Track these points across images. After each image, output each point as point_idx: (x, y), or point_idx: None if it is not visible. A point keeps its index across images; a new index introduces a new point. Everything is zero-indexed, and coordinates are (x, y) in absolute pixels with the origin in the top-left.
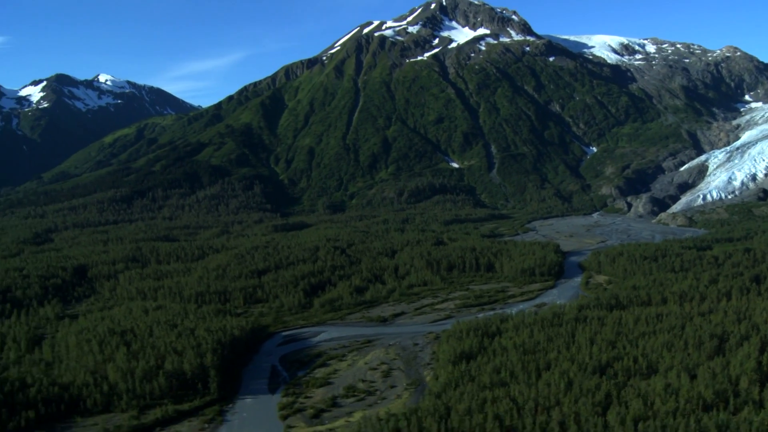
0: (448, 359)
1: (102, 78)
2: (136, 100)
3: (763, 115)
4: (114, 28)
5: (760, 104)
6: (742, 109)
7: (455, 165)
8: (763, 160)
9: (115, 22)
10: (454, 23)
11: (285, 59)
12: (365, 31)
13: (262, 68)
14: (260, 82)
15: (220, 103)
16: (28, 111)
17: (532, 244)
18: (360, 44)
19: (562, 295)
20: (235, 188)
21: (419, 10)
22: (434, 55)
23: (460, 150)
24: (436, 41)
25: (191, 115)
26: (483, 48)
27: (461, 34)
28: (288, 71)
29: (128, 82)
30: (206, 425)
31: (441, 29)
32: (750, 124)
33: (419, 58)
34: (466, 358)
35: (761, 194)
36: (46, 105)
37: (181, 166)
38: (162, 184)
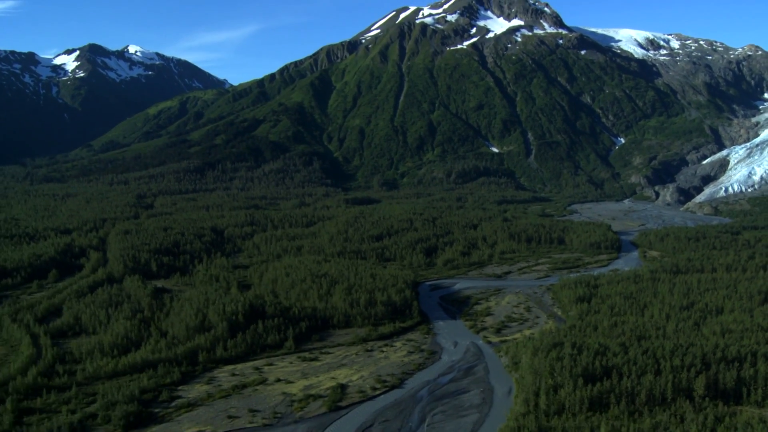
0: (570, 301)
1: (132, 49)
2: (165, 71)
3: None
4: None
5: None
6: (761, 107)
7: (495, 150)
8: None
9: None
10: (489, 13)
11: (299, 34)
12: (402, 16)
13: (276, 42)
14: (302, 61)
15: (261, 81)
16: (67, 80)
17: (588, 223)
18: (402, 31)
19: (627, 264)
20: (296, 163)
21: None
22: (473, 44)
23: (500, 136)
24: (474, 30)
25: (236, 91)
26: (519, 39)
27: (497, 24)
28: (329, 53)
29: (157, 54)
30: (426, 335)
31: (477, 18)
32: None
33: (459, 46)
34: (583, 300)
35: None
36: (82, 74)
37: (242, 140)
38: (229, 157)
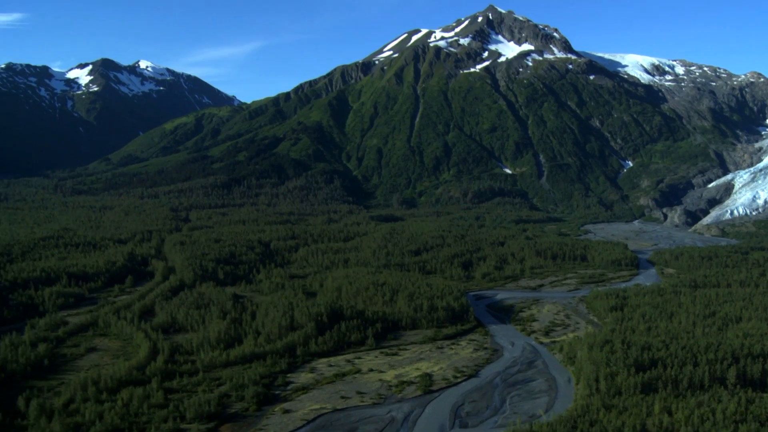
0: (604, 310)
1: (143, 64)
2: (176, 87)
3: None
4: (132, 11)
5: None
6: (763, 133)
7: (508, 171)
8: None
9: (133, 5)
10: (500, 37)
11: (302, 51)
12: (414, 38)
13: (279, 59)
14: (316, 81)
15: (277, 99)
16: (81, 94)
17: (606, 242)
18: (417, 53)
19: (647, 280)
20: (318, 181)
21: (466, 23)
22: (486, 68)
23: (512, 157)
24: (486, 54)
25: (251, 109)
26: (530, 64)
27: (508, 49)
28: (344, 73)
29: (167, 70)
30: (485, 336)
31: (489, 42)
32: None
33: (472, 69)
34: (616, 309)
35: None
36: (96, 89)
37: (265, 158)
38: (254, 173)
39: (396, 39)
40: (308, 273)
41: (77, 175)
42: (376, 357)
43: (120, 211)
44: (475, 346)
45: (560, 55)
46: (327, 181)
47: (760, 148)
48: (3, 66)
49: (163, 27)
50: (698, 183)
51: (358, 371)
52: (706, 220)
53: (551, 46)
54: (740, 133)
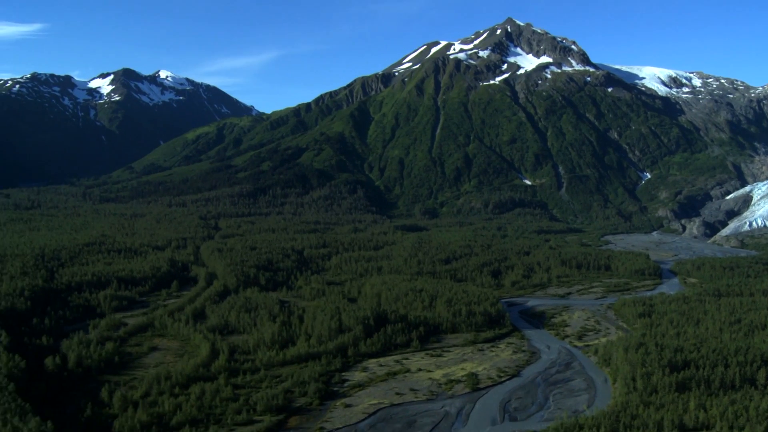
0: (633, 316)
1: (162, 74)
2: (195, 97)
3: None
4: (150, 22)
5: None
6: None
7: (528, 182)
8: None
9: (151, 16)
10: (518, 50)
11: (319, 61)
12: (433, 50)
13: (295, 69)
14: (337, 92)
15: (298, 110)
16: (104, 103)
17: (628, 253)
18: (437, 65)
19: (670, 289)
20: (341, 191)
21: (485, 35)
22: (505, 80)
23: (532, 169)
24: (505, 66)
25: (273, 120)
26: (549, 76)
27: (526, 61)
28: (364, 84)
29: (187, 80)
30: (522, 340)
31: (507, 55)
32: None
33: (491, 82)
34: (644, 315)
35: None
36: (117, 98)
37: (289, 168)
38: (279, 183)
39: (415, 51)
40: (344, 280)
41: (102, 183)
42: (422, 358)
43: (151, 219)
44: (514, 348)
45: (578, 67)
46: (350, 191)
47: None
48: (28, 76)
49: (180, 37)
50: (716, 195)
51: (408, 370)
52: (725, 231)
53: (569, 58)
54: (758, 146)
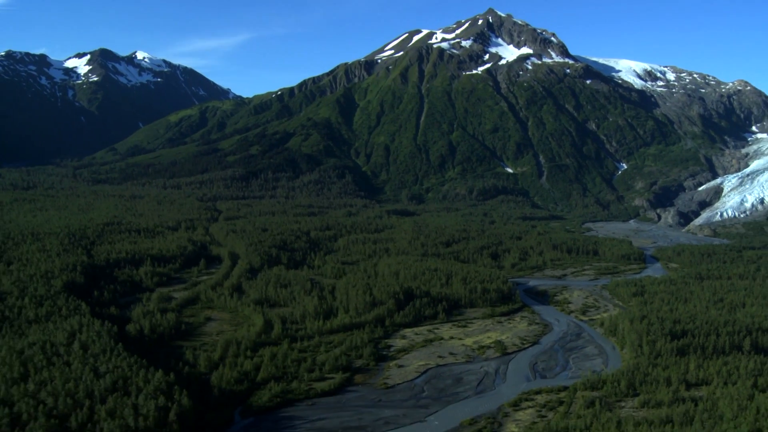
0: (627, 295)
1: (140, 55)
2: (172, 79)
3: None
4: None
5: (765, 135)
6: (749, 139)
7: (510, 170)
8: None
9: None
10: (500, 40)
11: (292, 45)
12: (415, 38)
13: (269, 52)
14: (320, 78)
15: (281, 95)
16: (82, 83)
17: (612, 239)
18: (421, 54)
19: (655, 272)
20: (330, 176)
21: (467, 25)
22: (487, 70)
23: (514, 157)
24: (487, 57)
25: (256, 104)
26: (530, 67)
27: (507, 51)
28: (347, 71)
29: (164, 61)
30: (533, 314)
31: (489, 45)
32: (758, 154)
33: (474, 71)
34: (637, 295)
35: None
36: (96, 78)
37: (278, 152)
38: (270, 167)
39: (397, 39)
40: (356, 260)
41: (88, 164)
42: (450, 328)
43: (151, 201)
44: (528, 321)
45: (558, 59)
46: (339, 176)
47: (747, 154)
48: (3, 54)
49: (152, 17)
50: (689, 186)
51: (441, 338)
52: (698, 221)
53: (549, 50)
54: (728, 139)
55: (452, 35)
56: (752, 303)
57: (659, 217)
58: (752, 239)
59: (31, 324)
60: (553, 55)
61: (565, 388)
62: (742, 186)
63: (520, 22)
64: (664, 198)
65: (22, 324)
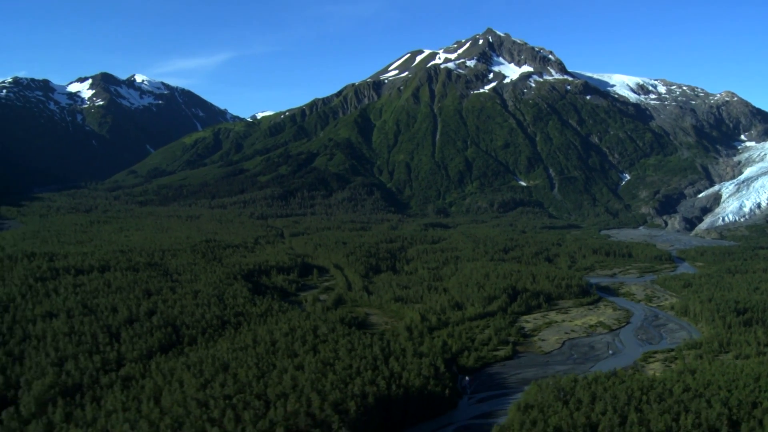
0: (677, 287)
1: (138, 78)
2: (172, 101)
3: (759, 154)
4: (102, 22)
5: (753, 143)
6: (739, 147)
7: (523, 183)
8: (765, 192)
9: (102, 17)
10: (501, 59)
11: (272, 63)
12: (418, 59)
13: (249, 71)
14: (329, 99)
15: (293, 116)
16: (89, 108)
17: (638, 243)
18: (430, 75)
19: (687, 270)
20: (360, 193)
21: (467, 45)
22: (493, 89)
23: (526, 171)
24: (491, 75)
25: (269, 126)
26: (533, 85)
27: (509, 70)
28: (357, 91)
29: (162, 83)
30: (611, 303)
31: (492, 64)
32: (749, 161)
33: (481, 90)
34: (687, 286)
35: (767, 219)
36: (101, 102)
37: (308, 172)
38: (305, 186)
39: (400, 59)
40: (435, 266)
41: (117, 187)
42: (557, 315)
43: (212, 220)
44: (612, 308)
45: (558, 76)
46: (368, 193)
47: (740, 162)
48: (10, 80)
49: (132, 38)
50: (689, 193)
51: (555, 321)
52: (703, 225)
53: (548, 67)
54: (720, 148)
55: (454, 55)
56: None
57: (666, 223)
58: (758, 240)
59: (261, 319)
60: (553, 72)
61: (672, 350)
62: (739, 192)
63: (518, 41)
64: (667, 205)
65: (251, 319)
